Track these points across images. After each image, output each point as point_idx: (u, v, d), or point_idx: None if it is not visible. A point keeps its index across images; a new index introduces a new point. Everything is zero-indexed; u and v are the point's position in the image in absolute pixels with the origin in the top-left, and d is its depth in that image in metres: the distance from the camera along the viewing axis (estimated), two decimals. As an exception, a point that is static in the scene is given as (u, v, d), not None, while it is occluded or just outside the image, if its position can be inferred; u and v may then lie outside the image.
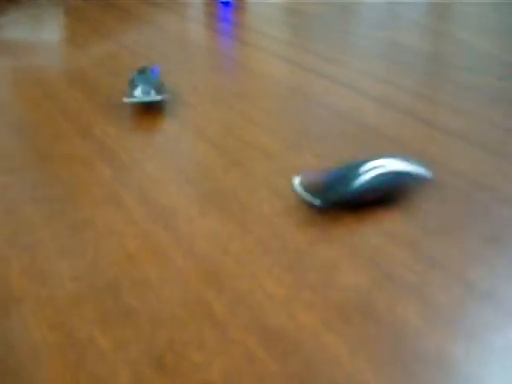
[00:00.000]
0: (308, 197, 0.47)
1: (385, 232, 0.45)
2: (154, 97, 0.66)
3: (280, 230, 0.46)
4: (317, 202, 0.46)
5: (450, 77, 0.77)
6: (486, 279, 0.40)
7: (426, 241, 0.44)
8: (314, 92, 0.73)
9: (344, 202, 0.47)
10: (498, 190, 0.51)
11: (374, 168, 0.47)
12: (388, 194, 0.49)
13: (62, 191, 0.52)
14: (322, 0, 1.25)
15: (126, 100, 0.66)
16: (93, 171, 0.56)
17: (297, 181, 0.48)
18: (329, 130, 0.63)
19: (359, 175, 0.46)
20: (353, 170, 0.47)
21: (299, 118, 0.66)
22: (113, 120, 0.67)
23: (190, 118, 0.67)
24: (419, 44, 0.92)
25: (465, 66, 0.81)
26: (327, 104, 0.70)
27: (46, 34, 1.04)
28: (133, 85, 0.68)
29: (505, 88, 0.73)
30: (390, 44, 0.92)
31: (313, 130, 0.63)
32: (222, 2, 1.26)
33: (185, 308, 0.38)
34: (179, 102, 0.72)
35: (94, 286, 0.40)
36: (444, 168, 0.54)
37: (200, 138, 0.62)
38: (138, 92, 0.66)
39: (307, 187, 0.47)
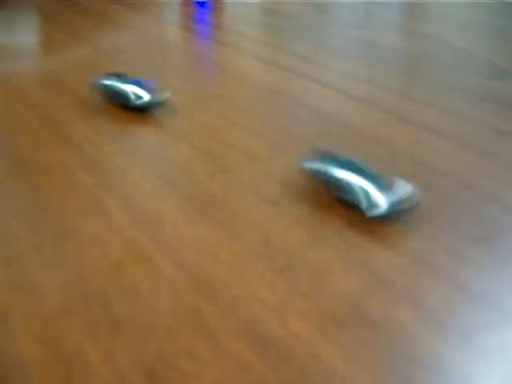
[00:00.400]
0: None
1: (373, 234, 0.45)
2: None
3: (269, 235, 0.46)
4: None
5: (432, 76, 0.78)
6: (477, 280, 0.40)
7: (415, 242, 0.44)
8: (294, 92, 0.73)
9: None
10: (485, 189, 0.51)
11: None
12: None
13: (44, 200, 0.51)
14: (299, 0, 1.25)
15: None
16: (75, 179, 0.55)
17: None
18: (312, 131, 0.62)
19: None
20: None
21: (281, 119, 0.66)
22: (93, 126, 0.66)
23: (170, 122, 0.66)
24: (397, 43, 0.92)
25: (446, 66, 0.82)
26: (308, 104, 0.69)
27: (21, 37, 1.02)
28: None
29: (490, 88, 0.74)
30: (367, 43, 0.92)
31: (295, 130, 0.63)
32: (198, 2, 1.25)
33: (175, 317, 0.38)
34: (159, 105, 0.71)
35: (80, 297, 0.40)
36: (431, 168, 0.54)
37: (182, 142, 0.61)
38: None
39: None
